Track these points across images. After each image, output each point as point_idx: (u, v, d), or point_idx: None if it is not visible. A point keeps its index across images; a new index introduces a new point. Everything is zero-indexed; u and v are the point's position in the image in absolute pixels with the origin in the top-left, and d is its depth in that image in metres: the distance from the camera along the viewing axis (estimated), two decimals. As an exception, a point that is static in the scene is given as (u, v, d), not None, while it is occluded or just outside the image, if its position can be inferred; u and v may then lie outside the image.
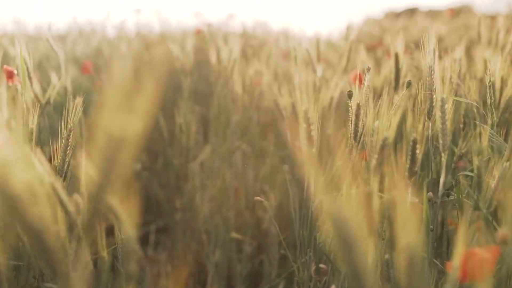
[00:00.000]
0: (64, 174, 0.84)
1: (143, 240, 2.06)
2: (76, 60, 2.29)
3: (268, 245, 1.39)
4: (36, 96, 1.15)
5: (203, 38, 2.84)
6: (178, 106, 2.48)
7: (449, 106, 0.68)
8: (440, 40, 2.38)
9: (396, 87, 1.09)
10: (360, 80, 1.47)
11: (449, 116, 0.67)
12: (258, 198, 0.97)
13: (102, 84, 2.08)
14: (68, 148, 0.85)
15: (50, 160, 1.06)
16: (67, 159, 0.85)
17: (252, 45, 1.55)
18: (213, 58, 1.41)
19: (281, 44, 2.26)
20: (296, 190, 1.26)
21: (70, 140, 0.85)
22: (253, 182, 1.53)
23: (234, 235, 1.41)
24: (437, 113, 0.69)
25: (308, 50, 1.26)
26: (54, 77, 1.45)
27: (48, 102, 1.15)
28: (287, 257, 1.30)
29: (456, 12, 4.73)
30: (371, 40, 2.90)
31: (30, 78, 1.15)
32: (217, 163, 1.53)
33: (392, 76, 1.10)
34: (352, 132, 0.88)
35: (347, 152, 0.92)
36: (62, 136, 0.86)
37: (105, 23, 3.11)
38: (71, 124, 0.86)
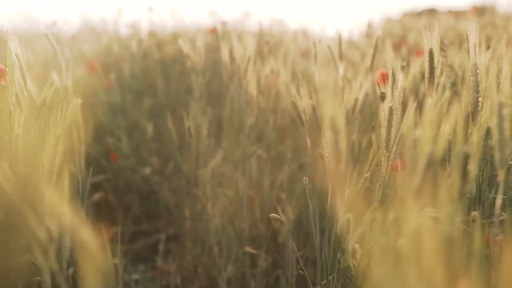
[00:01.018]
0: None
1: (153, 249, 1.95)
2: (85, 59, 2.19)
3: (285, 260, 1.27)
4: (30, 97, 1.05)
5: (217, 36, 2.73)
6: (188, 107, 2.37)
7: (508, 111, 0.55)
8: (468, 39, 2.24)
9: (431, 88, 0.96)
10: (386, 80, 1.33)
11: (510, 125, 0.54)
12: (274, 215, 0.85)
13: (110, 83, 1.97)
14: (56, 157, 0.74)
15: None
16: (54, 170, 0.74)
17: (268, 42, 1.43)
18: (225, 57, 1.29)
19: (299, 42, 2.14)
20: (316, 201, 1.14)
21: (58, 147, 0.74)
22: (268, 191, 1.41)
23: (248, 249, 1.29)
24: (493, 120, 0.56)
25: (330, 46, 1.14)
26: (55, 76, 1.35)
27: (44, 104, 1.05)
28: (305, 275, 1.18)
29: (479, 11, 4.58)
30: (393, 39, 2.77)
31: (24, 77, 1.05)
32: (230, 169, 1.42)
33: (426, 75, 0.98)
34: (384, 140, 0.76)
35: (377, 162, 0.80)
36: (49, 143, 0.75)
37: (117, 21, 3.02)
38: (60, 130, 0.74)
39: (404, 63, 0.76)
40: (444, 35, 2.80)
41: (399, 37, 2.95)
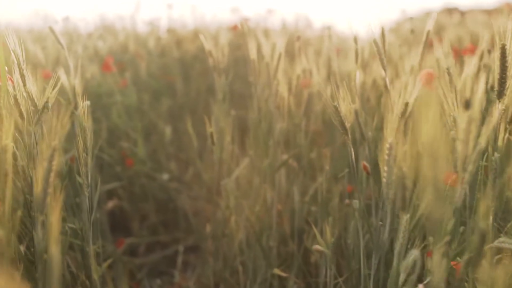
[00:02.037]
0: (42, 211, 0.58)
1: (170, 261, 1.82)
2: (99, 57, 2.06)
3: (319, 285, 1.12)
4: (30, 99, 0.91)
5: (240, 33, 2.58)
6: (210, 109, 2.23)
7: None
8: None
9: (501, 92, 0.81)
10: (431, 81, 1.17)
11: None
12: (317, 247, 0.70)
13: (126, 83, 1.83)
14: (51, 174, 0.59)
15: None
16: (49, 190, 0.59)
17: (300, 37, 1.28)
18: (252, 55, 1.15)
19: (328, 40, 1.98)
20: (359, 221, 0.99)
21: (53, 163, 0.60)
22: (299, 204, 1.26)
23: (277, 271, 1.15)
24: None
25: (377, 42, 0.98)
26: (63, 75, 1.21)
27: (45, 107, 0.91)
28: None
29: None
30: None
31: (23, 76, 0.92)
32: (256, 179, 1.27)
33: (495, 76, 0.82)
34: (460, 156, 0.60)
35: (446, 182, 0.65)
36: (43, 157, 0.60)
37: (135, 18, 2.88)
38: (56, 142, 0.60)
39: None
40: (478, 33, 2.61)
41: (433, 35, 2.77)
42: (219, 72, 1.40)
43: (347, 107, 0.89)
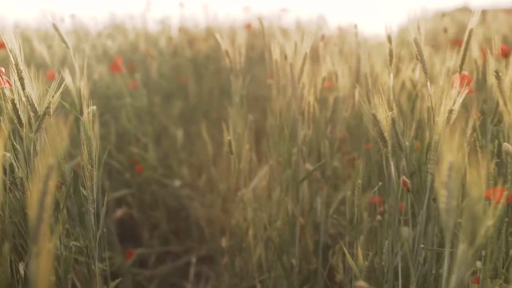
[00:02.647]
0: (36, 240, 0.48)
1: (182, 273, 1.72)
2: (108, 57, 1.97)
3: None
4: (30, 104, 0.82)
5: (255, 33, 2.48)
6: (224, 111, 2.12)
7: None
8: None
9: None
10: (468, 83, 1.06)
11: None
12: (361, 284, 0.60)
13: (136, 84, 1.74)
14: (45, 197, 0.49)
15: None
16: (44, 215, 0.49)
17: (325, 36, 1.18)
18: (275, 54, 1.04)
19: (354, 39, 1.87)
20: (394, 238, 0.89)
21: (49, 183, 0.50)
22: (324, 218, 1.16)
23: (300, 292, 1.04)
24: None
25: (417, 41, 0.88)
26: (68, 77, 1.12)
27: (47, 113, 0.82)
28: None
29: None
30: (446, 36, 2.48)
31: (21, 79, 0.82)
32: (277, 190, 1.16)
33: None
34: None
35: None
36: (38, 176, 0.50)
37: (145, 16, 2.79)
38: (53, 159, 0.50)
39: None
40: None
41: (453, 35, 2.66)
42: (236, 74, 1.30)
43: (383, 114, 0.79)
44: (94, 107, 0.91)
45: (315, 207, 1.19)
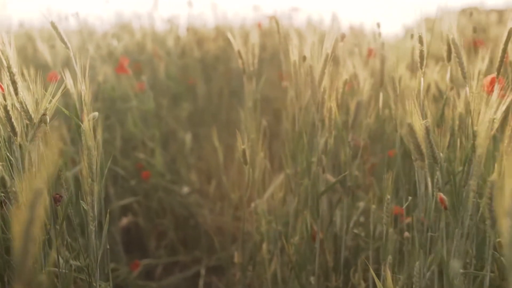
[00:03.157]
0: (21, 278, 0.40)
1: (191, 284, 1.64)
2: (114, 58, 1.88)
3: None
4: (24, 111, 0.74)
5: (265, 33, 2.40)
6: (235, 115, 2.04)
7: None
8: None
9: None
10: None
11: None
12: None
13: (143, 86, 1.65)
14: (31, 226, 0.40)
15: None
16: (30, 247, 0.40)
17: (344, 37, 1.09)
18: (293, 56, 0.96)
19: (365, 40, 1.79)
20: (424, 255, 0.80)
21: (37, 209, 0.41)
22: (344, 232, 1.07)
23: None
24: None
25: (455, 41, 0.79)
26: (69, 80, 1.04)
27: (42, 120, 0.73)
28: None
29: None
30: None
31: (14, 83, 0.74)
32: (293, 201, 1.08)
33: None
34: None
35: None
36: (24, 201, 0.42)
37: (153, 15, 2.70)
38: (41, 182, 0.41)
39: None
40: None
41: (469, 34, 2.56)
42: (249, 76, 1.22)
43: (417, 123, 0.70)
44: (96, 113, 0.83)
45: (334, 220, 1.10)
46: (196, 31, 2.31)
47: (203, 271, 1.62)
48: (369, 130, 1.00)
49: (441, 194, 0.70)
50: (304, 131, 0.98)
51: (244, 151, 0.91)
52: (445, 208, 0.71)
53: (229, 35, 1.19)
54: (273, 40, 2.38)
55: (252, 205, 1.15)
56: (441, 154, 0.80)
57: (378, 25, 1.12)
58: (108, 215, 0.80)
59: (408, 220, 1.11)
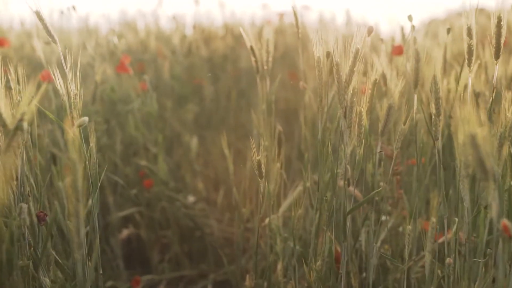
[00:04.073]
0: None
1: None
2: (116, 56, 1.76)
3: None
4: (-3, 116, 0.61)
5: (275, 31, 2.27)
6: (244, 118, 1.91)
7: None
8: None
9: None
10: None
11: None
12: None
13: (145, 86, 1.53)
14: None
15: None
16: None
17: (372, 30, 0.96)
18: (317, 52, 0.83)
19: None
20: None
21: None
22: (370, 252, 0.94)
23: None
24: None
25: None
26: (59, 81, 0.91)
27: (18, 127, 0.60)
28: None
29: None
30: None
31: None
32: (314, 219, 0.95)
33: None
34: None
35: None
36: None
37: (157, 13, 2.59)
38: None
39: None
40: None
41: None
42: (263, 75, 1.09)
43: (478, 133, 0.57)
44: (86, 118, 0.70)
45: (360, 238, 0.97)
46: (203, 29, 2.19)
47: (210, 287, 1.49)
48: (402, 139, 0.87)
49: (506, 221, 0.57)
50: (329, 138, 0.85)
51: (259, 163, 0.78)
52: (510, 237, 0.58)
53: (241, 30, 1.07)
54: (284, 39, 2.26)
55: (266, 220, 1.02)
56: (497, 169, 0.67)
57: (410, 18, 0.99)
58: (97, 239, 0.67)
59: (441, 239, 0.99)
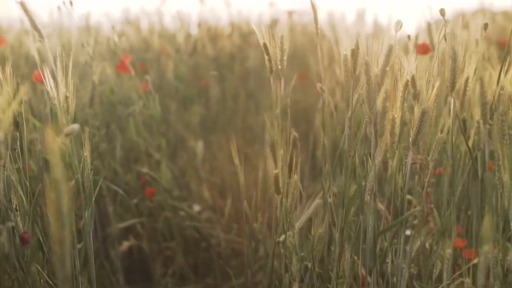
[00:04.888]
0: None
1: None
2: (118, 56, 1.65)
3: None
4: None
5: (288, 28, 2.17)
6: (252, 120, 1.81)
7: None
8: None
9: None
10: None
11: None
12: None
13: (148, 87, 1.42)
14: None
15: None
16: None
17: (401, 24, 0.86)
18: (343, 50, 0.73)
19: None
20: None
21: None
22: (399, 274, 0.84)
23: None
24: None
25: None
26: (49, 82, 0.81)
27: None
28: None
29: None
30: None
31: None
32: (336, 239, 0.84)
33: None
34: None
35: None
36: None
37: (161, 10, 2.48)
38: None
39: None
40: None
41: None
42: (277, 75, 0.99)
43: None
44: (75, 126, 0.60)
45: (387, 260, 0.87)
46: (209, 27, 2.08)
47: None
48: (439, 149, 0.76)
49: None
50: (355, 148, 0.74)
51: (277, 178, 0.67)
52: None
53: (253, 26, 0.97)
54: (294, 37, 2.16)
55: (281, 238, 0.92)
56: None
57: (443, 12, 0.88)
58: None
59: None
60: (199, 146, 1.56)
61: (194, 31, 2.26)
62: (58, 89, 0.79)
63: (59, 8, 1.40)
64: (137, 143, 1.38)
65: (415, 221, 0.98)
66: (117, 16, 2.69)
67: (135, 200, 1.38)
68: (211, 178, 1.61)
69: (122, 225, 1.34)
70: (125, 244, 1.39)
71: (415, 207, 0.84)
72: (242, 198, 0.99)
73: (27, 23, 2.44)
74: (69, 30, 1.98)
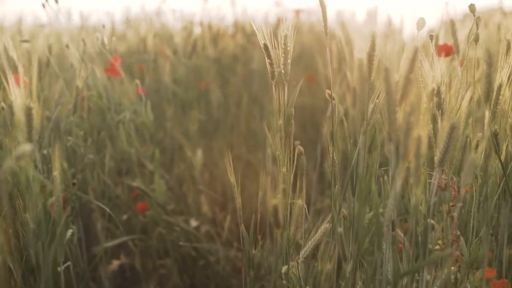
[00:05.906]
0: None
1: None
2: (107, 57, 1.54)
3: None
4: None
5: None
6: (255, 127, 1.69)
7: None
8: None
9: None
10: None
11: None
12: None
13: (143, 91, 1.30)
14: None
15: None
16: None
17: (424, 22, 0.74)
18: (357, 54, 0.61)
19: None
20: None
21: None
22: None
23: None
24: None
25: None
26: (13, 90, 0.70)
27: None
28: None
29: None
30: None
31: None
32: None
33: None
34: None
35: None
36: None
37: (162, 9, 2.38)
38: None
39: None
40: None
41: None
42: (280, 81, 0.87)
43: None
44: (26, 148, 0.49)
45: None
46: (210, 26, 1.96)
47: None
48: (473, 171, 0.64)
49: None
50: (372, 171, 0.62)
51: (276, 209, 0.55)
52: None
53: (253, 25, 0.85)
54: (301, 38, 2.04)
55: (284, 268, 0.80)
56: None
57: (472, 9, 0.76)
58: None
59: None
60: (198, 156, 1.45)
61: (196, 30, 2.15)
62: (23, 97, 0.68)
63: (43, 6, 1.29)
64: (128, 153, 1.26)
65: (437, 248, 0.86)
66: (118, 16, 2.59)
67: (125, 217, 1.26)
68: (210, 190, 1.50)
69: (110, 244, 1.22)
70: (115, 263, 1.28)
71: (439, 238, 0.71)
72: (239, 221, 0.87)
73: (27, 24, 2.32)
74: (69, 30, 1.87)
